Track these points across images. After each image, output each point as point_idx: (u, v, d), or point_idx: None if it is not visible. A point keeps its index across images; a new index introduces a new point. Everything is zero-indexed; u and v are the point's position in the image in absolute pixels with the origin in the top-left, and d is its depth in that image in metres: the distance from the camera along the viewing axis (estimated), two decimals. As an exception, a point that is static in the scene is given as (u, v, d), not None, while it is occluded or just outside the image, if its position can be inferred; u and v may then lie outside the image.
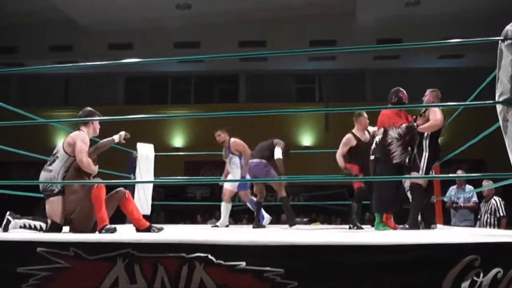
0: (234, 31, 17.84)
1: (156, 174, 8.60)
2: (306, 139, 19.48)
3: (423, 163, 6.45)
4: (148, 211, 8.22)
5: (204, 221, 14.07)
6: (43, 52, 18.59)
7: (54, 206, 5.21)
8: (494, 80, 4.08)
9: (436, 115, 6.45)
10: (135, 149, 8.66)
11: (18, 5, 16.67)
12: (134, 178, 8.71)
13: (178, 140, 19.73)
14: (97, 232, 5.04)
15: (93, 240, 3.61)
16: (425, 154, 6.46)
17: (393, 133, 6.41)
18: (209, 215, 15.11)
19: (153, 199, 8.20)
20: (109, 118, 5.60)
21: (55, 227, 5.13)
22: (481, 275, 3.18)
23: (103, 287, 3.40)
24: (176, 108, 19.99)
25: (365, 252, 3.33)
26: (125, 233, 5.10)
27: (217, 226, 8.29)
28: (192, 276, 3.34)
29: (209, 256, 3.34)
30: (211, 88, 21.42)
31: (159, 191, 14.71)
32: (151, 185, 8.28)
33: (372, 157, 6.60)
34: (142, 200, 8.48)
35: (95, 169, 5.37)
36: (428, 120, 6.51)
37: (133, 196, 8.66)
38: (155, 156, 8.70)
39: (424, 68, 19.73)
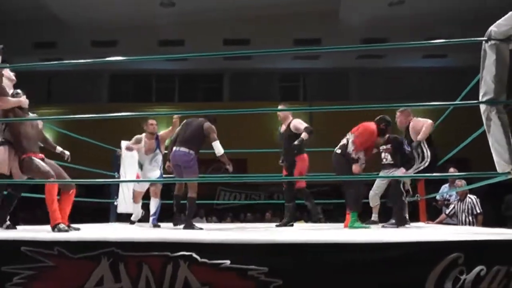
0: (219, 29, 17.79)
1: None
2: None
3: (417, 167, 6.50)
4: (132, 210, 8.19)
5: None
6: (27, 48, 18.45)
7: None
8: (478, 79, 4.12)
9: (423, 122, 6.54)
10: (119, 147, 8.64)
11: (2, 1, 16.52)
12: (119, 177, 8.67)
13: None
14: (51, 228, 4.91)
15: (77, 239, 3.60)
16: (424, 163, 6.51)
17: (349, 148, 6.52)
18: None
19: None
20: (94, 116, 5.55)
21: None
22: (465, 272, 3.21)
23: (88, 286, 3.40)
24: (160, 106, 19.94)
25: (349, 250, 3.36)
26: (110, 231, 5.08)
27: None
28: (176, 274, 3.34)
29: (194, 255, 3.34)
30: (195, 86, 21.37)
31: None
32: (134, 185, 8.24)
33: (338, 151, 6.64)
34: (127, 199, 8.46)
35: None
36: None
37: (117, 195, 8.68)
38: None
39: (408, 68, 19.81)
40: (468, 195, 8.94)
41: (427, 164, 6.48)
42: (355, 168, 6.50)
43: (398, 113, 6.95)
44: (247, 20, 17.36)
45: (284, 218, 7.43)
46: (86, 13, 17.12)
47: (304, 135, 6.79)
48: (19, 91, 5.53)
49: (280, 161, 7.45)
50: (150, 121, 7.52)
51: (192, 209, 6.54)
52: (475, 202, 8.85)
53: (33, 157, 5.15)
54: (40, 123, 5.82)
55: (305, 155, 7.06)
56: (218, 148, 6.55)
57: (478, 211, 8.78)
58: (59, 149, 6.07)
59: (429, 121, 6.59)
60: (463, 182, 8.98)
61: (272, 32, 17.23)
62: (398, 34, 15.83)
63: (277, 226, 7.29)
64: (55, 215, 4.89)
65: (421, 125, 6.59)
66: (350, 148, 6.47)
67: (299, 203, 7.40)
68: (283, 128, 7.38)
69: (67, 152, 6.08)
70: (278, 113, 7.30)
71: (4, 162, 5.18)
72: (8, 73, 5.55)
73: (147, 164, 7.39)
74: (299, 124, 7.03)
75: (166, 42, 18.17)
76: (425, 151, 6.52)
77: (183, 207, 6.75)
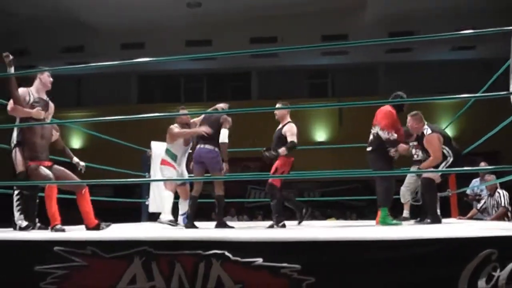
0: (245, 28, 17.80)
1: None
2: (320, 135, 19.44)
3: (444, 165, 6.43)
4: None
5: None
6: (55, 53, 18.68)
7: (14, 156, 5.45)
8: (507, 71, 4.06)
9: (435, 152, 6.45)
10: (149, 148, 8.69)
11: (30, 7, 16.75)
12: (149, 177, 8.72)
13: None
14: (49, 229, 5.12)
15: (110, 238, 3.63)
16: (449, 159, 6.45)
17: (382, 135, 6.38)
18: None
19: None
20: (123, 117, 5.60)
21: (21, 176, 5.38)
22: (498, 269, 3.16)
23: (121, 285, 3.43)
24: (189, 106, 20.00)
25: (382, 247, 3.33)
26: (142, 231, 5.12)
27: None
28: (209, 273, 3.35)
29: (226, 253, 3.34)
30: (223, 85, 21.39)
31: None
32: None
33: (369, 149, 6.56)
34: (157, 199, 8.49)
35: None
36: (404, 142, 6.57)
37: (148, 195, 8.74)
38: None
39: (436, 60, 19.61)
40: (498, 189, 8.82)
41: (451, 160, 6.42)
42: (401, 147, 6.45)
43: (409, 117, 6.75)
44: (273, 18, 17.33)
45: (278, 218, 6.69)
46: (114, 17, 17.27)
47: (282, 150, 6.55)
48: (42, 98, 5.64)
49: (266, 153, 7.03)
50: (182, 111, 7.37)
51: (221, 207, 6.51)
52: (502, 196, 8.73)
53: (35, 165, 5.31)
54: (55, 135, 5.92)
55: (291, 158, 6.72)
56: (224, 135, 6.53)
57: (502, 205, 8.65)
58: (75, 159, 6.20)
59: (438, 156, 6.47)
60: (492, 176, 8.85)
61: (300, 29, 17.19)
62: (425, 26, 15.67)
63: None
64: (54, 216, 5.07)
65: (433, 147, 6.50)
66: (384, 135, 6.37)
67: (326, 199, 7.31)
68: (280, 126, 7.03)
69: (82, 163, 6.17)
70: (275, 112, 7.05)
71: (20, 162, 5.39)
72: (45, 78, 5.70)
73: (182, 156, 6.98)
74: (290, 134, 6.70)
75: (194, 43, 18.22)
76: (445, 152, 6.45)
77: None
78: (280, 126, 7.00)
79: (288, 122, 6.89)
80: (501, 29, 4.10)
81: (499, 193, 8.78)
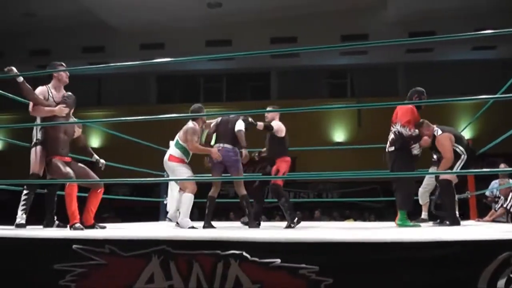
0: (265, 28, 17.82)
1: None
2: (339, 135, 19.40)
3: (459, 164, 6.42)
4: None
5: (237, 219, 14.09)
6: (76, 53, 18.83)
7: (31, 157, 5.52)
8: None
9: (446, 153, 6.46)
10: (168, 148, 8.70)
11: (51, 9, 16.91)
12: (167, 177, 8.74)
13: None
14: (68, 227, 5.18)
15: (128, 237, 3.65)
16: (463, 157, 6.44)
17: (404, 132, 6.34)
18: (242, 212, 15.08)
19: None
20: (142, 118, 5.62)
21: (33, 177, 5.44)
22: (518, 272, 3.13)
23: (139, 284, 3.44)
24: (209, 106, 20.02)
25: (401, 249, 3.31)
26: (160, 230, 5.14)
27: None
28: (227, 273, 3.35)
29: (244, 253, 3.35)
30: (243, 85, 21.43)
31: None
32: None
33: (391, 149, 6.48)
34: (175, 198, 8.51)
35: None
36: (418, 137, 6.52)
37: (167, 194, 8.76)
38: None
39: (457, 60, 19.47)
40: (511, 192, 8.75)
41: (465, 158, 6.41)
42: (424, 141, 6.47)
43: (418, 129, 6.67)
44: (293, 18, 17.35)
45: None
46: (134, 17, 17.38)
47: (259, 124, 6.67)
48: (69, 94, 5.72)
49: (256, 155, 7.45)
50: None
51: (249, 207, 6.61)
52: (510, 198, 8.67)
53: (57, 159, 5.34)
54: (78, 131, 5.94)
55: (288, 158, 6.82)
56: (240, 125, 6.57)
57: (505, 205, 8.61)
58: (95, 157, 6.23)
59: (449, 159, 6.44)
60: (506, 180, 8.82)
61: (319, 29, 17.18)
62: (446, 26, 15.58)
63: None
64: (74, 215, 5.11)
65: (444, 148, 6.49)
66: (406, 131, 6.32)
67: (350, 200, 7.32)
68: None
69: (102, 161, 6.20)
70: (266, 114, 7.08)
71: (36, 162, 5.47)
72: (60, 74, 5.81)
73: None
74: (280, 130, 6.83)
75: (214, 43, 18.29)
76: (458, 151, 6.42)
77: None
78: None
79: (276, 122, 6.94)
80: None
81: (511, 195, 8.71)
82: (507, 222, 8.60)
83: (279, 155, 6.76)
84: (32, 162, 5.49)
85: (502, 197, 9.00)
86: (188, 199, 6.38)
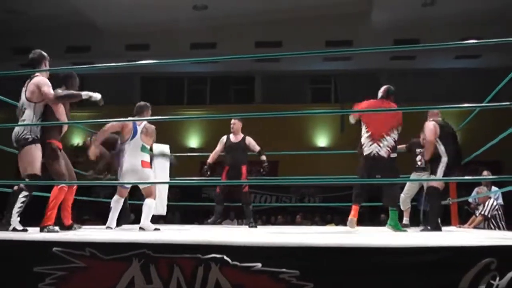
0: (250, 32, 17.83)
1: (172, 175, 8.60)
2: (321, 140, 19.46)
3: (441, 168, 6.46)
4: (163, 212, 8.20)
5: (218, 222, 14.07)
6: (60, 52, 18.72)
7: (29, 156, 5.15)
8: (511, 81, 4.06)
9: (428, 136, 6.68)
10: (151, 150, 8.67)
11: (37, 7, 16.80)
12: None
13: (193, 141, 19.78)
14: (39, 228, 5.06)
15: (109, 240, 3.63)
16: (444, 159, 6.47)
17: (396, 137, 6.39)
18: (224, 216, 15.09)
19: (169, 199, 8.19)
20: (128, 119, 5.60)
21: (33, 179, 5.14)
22: (497, 278, 3.15)
23: (119, 287, 3.42)
24: (192, 109, 20.04)
25: (381, 254, 3.33)
26: (141, 233, 5.11)
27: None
28: (207, 277, 3.34)
29: (225, 257, 3.34)
30: (227, 88, 21.44)
31: (175, 192, 14.73)
32: (166, 186, 8.27)
33: (393, 155, 6.47)
34: (157, 201, 8.47)
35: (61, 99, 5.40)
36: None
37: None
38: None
39: (441, 69, 19.62)
40: (490, 199, 8.82)
41: (445, 160, 6.47)
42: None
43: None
44: (278, 22, 17.36)
45: (214, 217, 8.34)
46: (120, 18, 17.30)
47: (264, 157, 8.18)
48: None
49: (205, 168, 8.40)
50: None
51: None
52: (489, 204, 8.75)
53: (59, 149, 5.31)
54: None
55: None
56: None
57: (483, 213, 8.69)
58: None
59: (431, 125, 6.65)
60: (484, 188, 8.93)
61: (304, 34, 17.21)
62: (430, 34, 15.69)
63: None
64: (51, 216, 5.06)
65: (426, 132, 6.69)
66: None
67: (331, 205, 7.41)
68: (234, 139, 8.30)
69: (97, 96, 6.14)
70: (233, 124, 8.22)
71: (37, 162, 5.16)
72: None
73: None
74: (255, 144, 8.23)
75: (198, 45, 18.24)
76: (440, 151, 6.52)
77: None
78: (235, 138, 8.31)
79: (245, 135, 8.26)
80: (506, 40, 4.10)
81: (488, 202, 8.79)
82: (484, 228, 8.68)
83: (246, 162, 8.03)
84: (31, 162, 5.13)
85: (481, 204, 9.09)
86: (153, 204, 6.67)
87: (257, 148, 8.26)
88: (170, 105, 20.16)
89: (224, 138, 8.42)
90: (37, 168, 5.14)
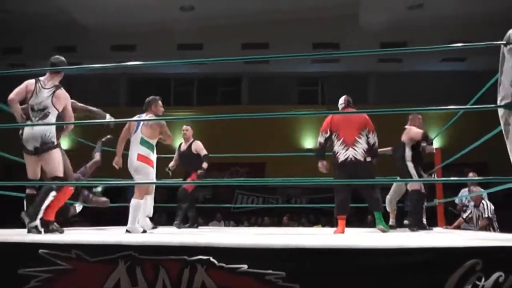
0: (237, 33, 17.80)
1: (158, 177, 8.58)
2: (309, 142, 19.47)
3: (412, 171, 6.93)
4: (149, 213, 8.17)
5: (205, 223, 14.08)
6: (47, 53, 18.60)
7: (56, 159, 5.34)
8: (496, 83, 4.09)
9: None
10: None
11: (24, 6, 16.70)
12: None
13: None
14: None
15: (95, 242, 3.61)
16: (409, 164, 7.02)
17: (374, 139, 6.63)
18: (211, 217, 15.10)
19: (155, 201, 8.17)
20: (114, 120, 5.59)
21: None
22: (483, 279, 3.17)
23: (104, 289, 3.41)
24: (179, 110, 19.99)
25: (366, 255, 3.34)
26: (128, 235, 5.10)
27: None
28: (193, 278, 3.34)
29: (211, 259, 3.34)
30: (214, 90, 21.40)
31: (162, 193, 14.70)
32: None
33: (368, 159, 6.55)
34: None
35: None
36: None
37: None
38: (158, 158, 8.65)
39: (427, 71, 19.72)
40: (483, 200, 8.88)
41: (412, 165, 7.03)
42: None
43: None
44: (265, 24, 17.36)
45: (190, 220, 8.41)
46: (106, 18, 17.23)
47: (205, 165, 8.15)
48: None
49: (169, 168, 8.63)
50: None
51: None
52: (486, 207, 8.81)
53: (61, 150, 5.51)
54: None
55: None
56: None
57: (486, 216, 8.73)
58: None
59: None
60: (478, 187, 8.98)
61: (291, 36, 17.21)
62: (417, 37, 15.76)
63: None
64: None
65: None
66: (374, 138, 6.63)
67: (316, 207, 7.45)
68: (184, 146, 8.60)
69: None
70: (185, 130, 8.61)
71: (61, 165, 5.40)
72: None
73: None
74: (201, 149, 8.35)
75: (185, 46, 18.20)
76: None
77: None
78: (184, 145, 8.55)
79: (194, 140, 8.50)
80: (491, 43, 4.13)
81: (483, 204, 8.85)
82: (489, 231, 8.75)
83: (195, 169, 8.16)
84: (58, 165, 5.33)
85: (472, 203, 9.11)
86: (139, 205, 6.36)
87: (203, 152, 8.33)
88: (157, 106, 20.09)
89: (178, 145, 8.77)
90: (61, 171, 5.37)
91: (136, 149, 6.38)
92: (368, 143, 6.50)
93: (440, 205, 8.46)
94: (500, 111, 3.96)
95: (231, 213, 17.65)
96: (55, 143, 5.33)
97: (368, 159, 6.47)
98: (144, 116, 6.63)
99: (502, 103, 3.92)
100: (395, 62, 19.10)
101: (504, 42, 3.94)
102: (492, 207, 8.87)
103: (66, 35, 18.38)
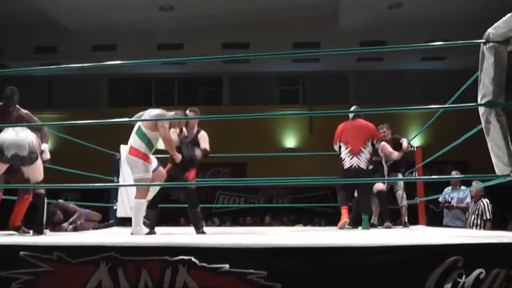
0: (217, 33, 17.80)
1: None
2: (290, 141, 19.50)
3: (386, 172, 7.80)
4: (130, 214, 8.13)
5: (187, 224, 14.02)
6: (28, 53, 18.46)
7: (38, 168, 5.50)
8: (476, 82, 4.11)
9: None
10: (119, 152, 8.61)
11: (3, 6, 16.54)
12: (118, 181, 8.66)
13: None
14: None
15: (77, 244, 3.59)
16: (385, 166, 7.84)
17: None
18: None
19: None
20: (93, 122, 5.54)
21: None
22: (464, 276, 3.19)
23: (86, 291, 3.39)
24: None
25: (349, 254, 3.35)
26: (109, 236, 5.07)
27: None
28: (175, 279, 3.33)
29: (193, 259, 3.33)
30: (195, 89, 21.34)
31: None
32: (134, 188, 8.21)
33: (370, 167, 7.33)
34: (125, 203, 8.43)
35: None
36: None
37: (116, 199, 8.66)
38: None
39: (407, 70, 19.81)
40: (482, 198, 8.87)
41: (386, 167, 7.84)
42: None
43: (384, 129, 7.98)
44: (246, 24, 17.37)
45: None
46: (86, 18, 17.15)
47: (199, 155, 6.57)
48: None
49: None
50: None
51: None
52: (486, 207, 8.77)
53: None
54: None
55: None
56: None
57: (488, 217, 8.71)
58: None
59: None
60: (479, 182, 8.99)
61: (272, 35, 17.24)
62: (397, 36, 15.84)
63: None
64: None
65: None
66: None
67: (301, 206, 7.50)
68: (188, 134, 7.03)
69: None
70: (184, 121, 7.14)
71: (42, 171, 5.59)
72: None
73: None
74: (204, 142, 6.72)
75: (165, 46, 18.14)
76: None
77: None
78: (187, 132, 7.01)
79: (200, 129, 6.89)
80: (471, 42, 4.16)
81: (483, 202, 8.81)
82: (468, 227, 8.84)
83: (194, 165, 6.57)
84: (41, 171, 5.54)
85: (472, 198, 9.10)
86: (141, 205, 5.83)
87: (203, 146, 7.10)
88: (138, 106, 19.97)
89: None
90: (42, 176, 5.57)
91: (131, 141, 5.95)
92: (370, 153, 7.28)
93: (421, 203, 8.51)
94: (481, 110, 3.98)
95: (213, 213, 17.63)
96: (36, 153, 5.45)
97: (370, 167, 7.27)
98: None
99: (483, 101, 3.95)
100: (375, 61, 19.18)
101: (483, 40, 3.96)
102: (491, 205, 8.86)
103: (46, 35, 18.27)
